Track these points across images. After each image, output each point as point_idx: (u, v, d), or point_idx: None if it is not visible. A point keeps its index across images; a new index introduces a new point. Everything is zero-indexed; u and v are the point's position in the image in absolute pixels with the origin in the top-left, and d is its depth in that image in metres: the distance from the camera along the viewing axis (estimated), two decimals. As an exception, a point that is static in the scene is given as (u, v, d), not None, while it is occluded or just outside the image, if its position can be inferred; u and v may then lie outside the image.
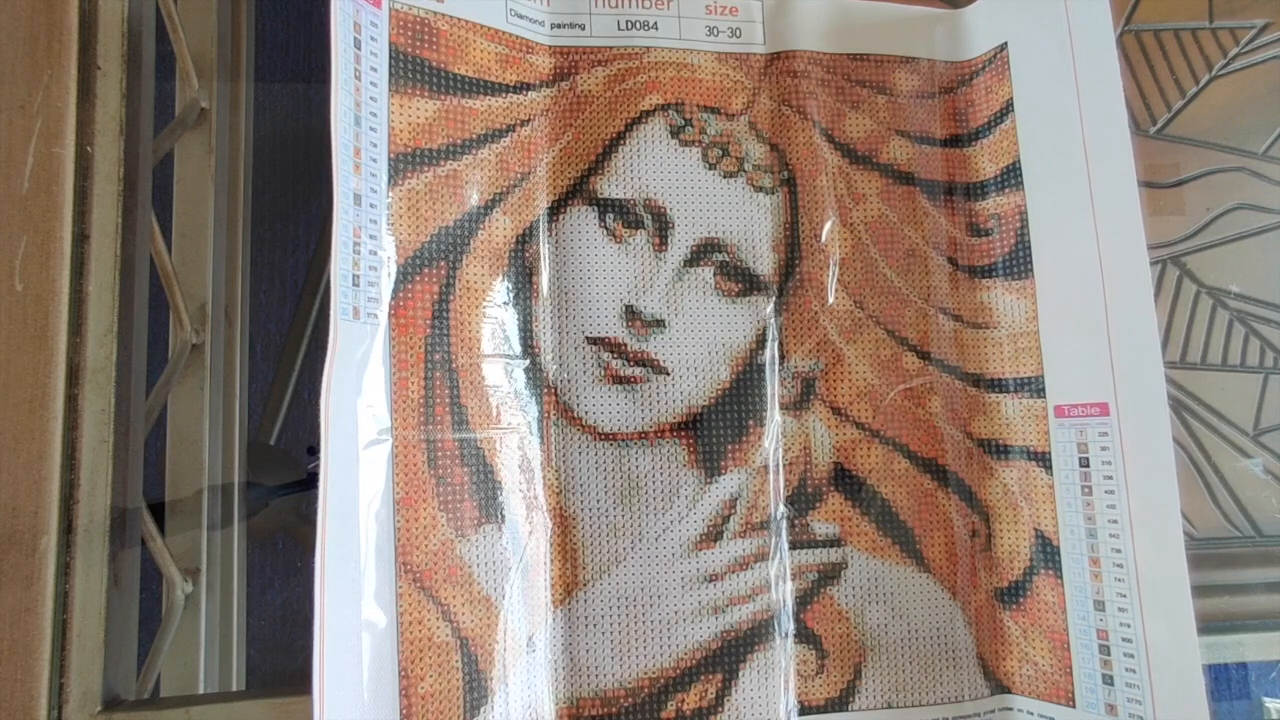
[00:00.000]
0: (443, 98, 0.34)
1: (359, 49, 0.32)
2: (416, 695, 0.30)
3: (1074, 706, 0.34)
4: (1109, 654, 0.34)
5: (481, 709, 0.31)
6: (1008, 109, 0.38)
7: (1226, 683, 0.49)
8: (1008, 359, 0.37)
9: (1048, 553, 0.36)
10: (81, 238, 0.34)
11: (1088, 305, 0.36)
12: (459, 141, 0.34)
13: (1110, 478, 0.34)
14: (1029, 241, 0.37)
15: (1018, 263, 0.37)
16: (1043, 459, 0.36)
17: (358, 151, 0.32)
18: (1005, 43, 0.39)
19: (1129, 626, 0.33)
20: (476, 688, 0.31)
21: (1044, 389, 0.36)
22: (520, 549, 0.33)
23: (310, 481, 0.31)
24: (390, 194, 0.33)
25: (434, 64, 0.34)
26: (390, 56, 0.33)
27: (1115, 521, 0.34)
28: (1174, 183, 0.47)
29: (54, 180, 0.33)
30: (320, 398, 0.29)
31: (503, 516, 0.33)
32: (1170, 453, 0.34)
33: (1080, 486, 0.35)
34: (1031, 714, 0.35)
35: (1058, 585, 0.35)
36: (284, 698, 0.33)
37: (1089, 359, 0.35)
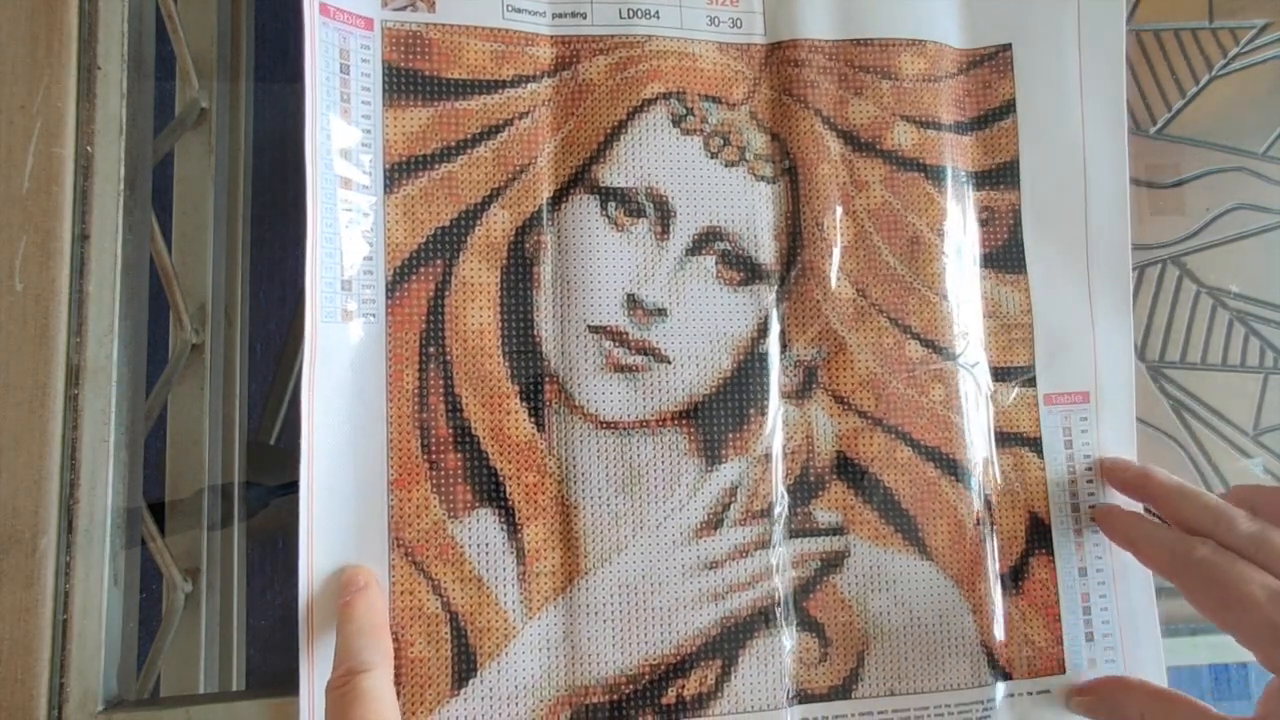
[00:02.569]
0: (435, 104, 0.35)
1: (346, 74, 0.33)
2: (406, 659, 0.32)
3: (1064, 672, 0.36)
4: (1090, 614, 0.37)
5: (469, 681, 0.32)
6: (1008, 108, 0.39)
7: (1227, 682, 0.49)
8: (1003, 349, 0.38)
9: (1040, 533, 0.37)
10: (81, 238, 0.34)
11: (1075, 300, 0.38)
12: (453, 143, 0.35)
13: (1089, 458, 0.38)
14: (1021, 239, 0.39)
15: (1010, 257, 0.39)
16: (1034, 445, 0.38)
17: (347, 182, 0.33)
18: (1009, 44, 0.39)
19: (1104, 584, 0.37)
20: (465, 660, 0.32)
21: (1035, 379, 0.38)
22: (516, 534, 0.33)
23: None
24: (386, 201, 0.34)
25: (427, 73, 0.35)
26: (384, 74, 0.34)
27: (1093, 495, 0.38)
28: (1174, 183, 0.47)
29: (54, 180, 0.33)
30: (302, 402, 0.31)
31: (497, 502, 0.33)
32: (1133, 436, 0.38)
33: (1067, 467, 0.38)
34: (1031, 694, 0.36)
35: (1050, 562, 0.37)
36: (284, 698, 0.33)
37: (1075, 351, 0.38)
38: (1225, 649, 0.40)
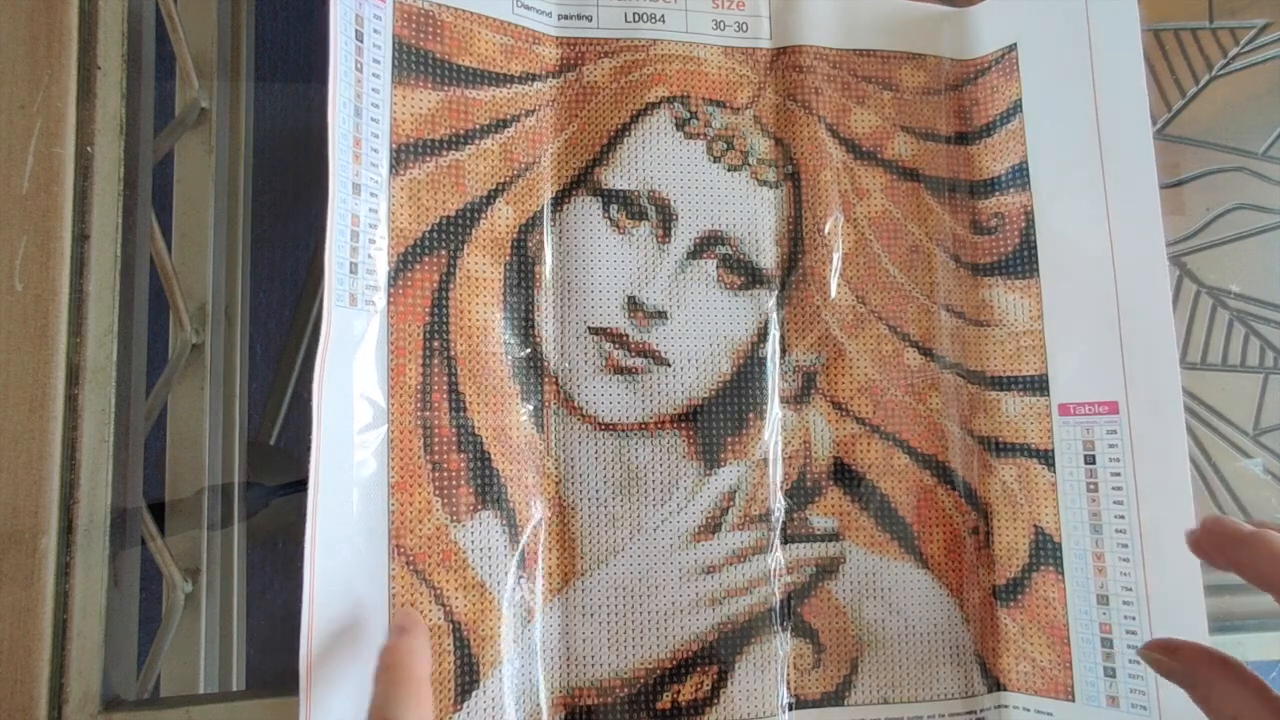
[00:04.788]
0: (446, 89, 0.34)
1: (360, 41, 0.32)
2: None
3: (1073, 700, 0.35)
4: (1111, 647, 0.34)
5: (473, 693, 0.31)
6: (1015, 109, 0.38)
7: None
8: (1009, 357, 0.37)
9: (1048, 549, 0.36)
10: (81, 238, 0.34)
11: (1098, 306, 0.36)
12: (462, 132, 0.35)
13: (1118, 474, 0.35)
14: (1034, 241, 0.37)
15: (1021, 262, 0.38)
16: (1044, 456, 0.36)
17: (358, 142, 0.32)
18: (1014, 44, 0.39)
19: (1134, 619, 0.34)
20: (468, 672, 0.32)
21: (1047, 387, 0.37)
22: (517, 537, 0.33)
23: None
24: (391, 183, 0.33)
25: (438, 55, 0.34)
26: (394, 49, 0.33)
27: (1122, 517, 0.35)
28: (1174, 183, 0.47)
29: (54, 180, 0.33)
30: (314, 383, 0.30)
31: (500, 504, 0.33)
32: (1184, 450, 0.34)
33: (1085, 484, 0.35)
34: (1028, 710, 0.35)
35: (1059, 581, 0.35)
36: (284, 698, 0.33)
37: (1098, 359, 0.36)
38: (1225, 649, 0.40)
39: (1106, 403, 0.36)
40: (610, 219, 0.36)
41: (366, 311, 0.32)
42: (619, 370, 0.35)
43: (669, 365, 0.35)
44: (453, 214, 0.34)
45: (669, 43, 0.37)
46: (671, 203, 0.36)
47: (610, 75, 0.37)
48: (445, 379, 0.33)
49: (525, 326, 0.35)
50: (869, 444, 0.37)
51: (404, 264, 0.33)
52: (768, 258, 0.37)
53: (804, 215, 0.37)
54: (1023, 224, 0.38)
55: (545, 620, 0.33)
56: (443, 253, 0.34)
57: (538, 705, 0.33)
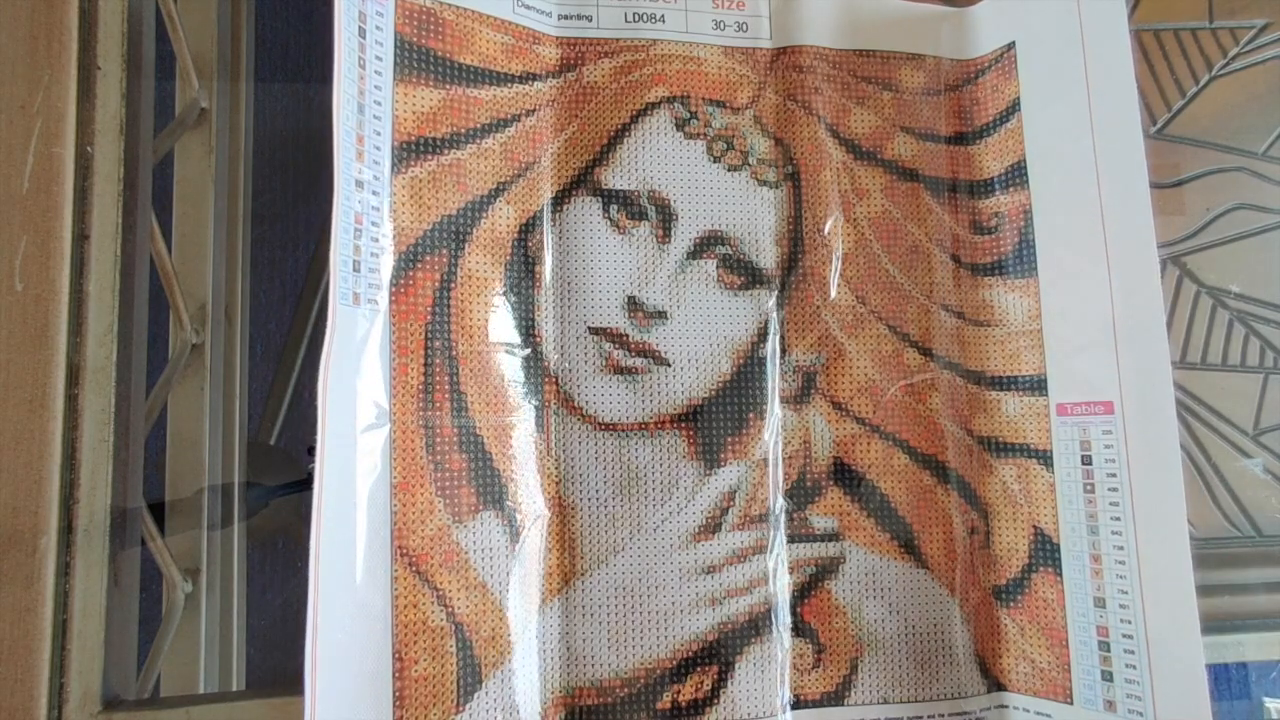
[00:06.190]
0: (447, 87, 0.34)
1: (363, 38, 0.32)
2: (409, 678, 0.30)
3: (1071, 703, 0.34)
4: (1108, 650, 0.34)
5: (475, 694, 0.31)
6: (1014, 108, 0.38)
7: (1226, 683, 0.49)
8: (1009, 357, 0.37)
9: (1047, 550, 0.36)
10: (81, 238, 0.34)
11: (1093, 305, 0.36)
12: (463, 131, 0.34)
13: (1114, 475, 0.35)
14: (1033, 240, 0.37)
15: (1021, 261, 0.37)
16: (1043, 457, 0.36)
17: (360, 139, 0.32)
18: (1013, 42, 0.39)
19: (1129, 623, 0.34)
20: (470, 673, 0.32)
21: (1046, 387, 0.36)
22: (518, 537, 0.33)
23: (310, 481, 0.31)
24: (393, 181, 0.33)
25: (439, 53, 0.34)
26: (396, 46, 0.33)
27: (1118, 519, 0.34)
28: (1174, 183, 0.47)
29: (54, 180, 0.33)
30: (319, 382, 0.29)
31: (501, 504, 0.33)
32: (1176, 451, 0.34)
33: (1082, 484, 0.35)
34: (1028, 711, 0.35)
35: (1057, 582, 0.35)
36: (284, 697, 0.33)
37: (1094, 358, 0.35)
38: (1225, 649, 0.40)
39: (1102, 403, 0.35)
40: (610, 219, 0.36)
41: (369, 310, 0.31)
42: (619, 370, 0.35)
43: (669, 365, 0.35)
44: (454, 213, 0.34)
45: (669, 43, 0.37)
46: (671, 203, 0.36)
47: (610, 75, 0.37)
48: (447, 379, 0.33)
49: (526, 326, 0.35)
50: (869, 444, 0.37)
51: (406, 263, 0.33)
52: (768, 258, 0.37)
53: (804, 215, 0.37)
54: (1022, 223, 0.38)
55: (545, 620, 0.33)
56: (444, 252, 0.34)
57: (539, 705, 0.33)
